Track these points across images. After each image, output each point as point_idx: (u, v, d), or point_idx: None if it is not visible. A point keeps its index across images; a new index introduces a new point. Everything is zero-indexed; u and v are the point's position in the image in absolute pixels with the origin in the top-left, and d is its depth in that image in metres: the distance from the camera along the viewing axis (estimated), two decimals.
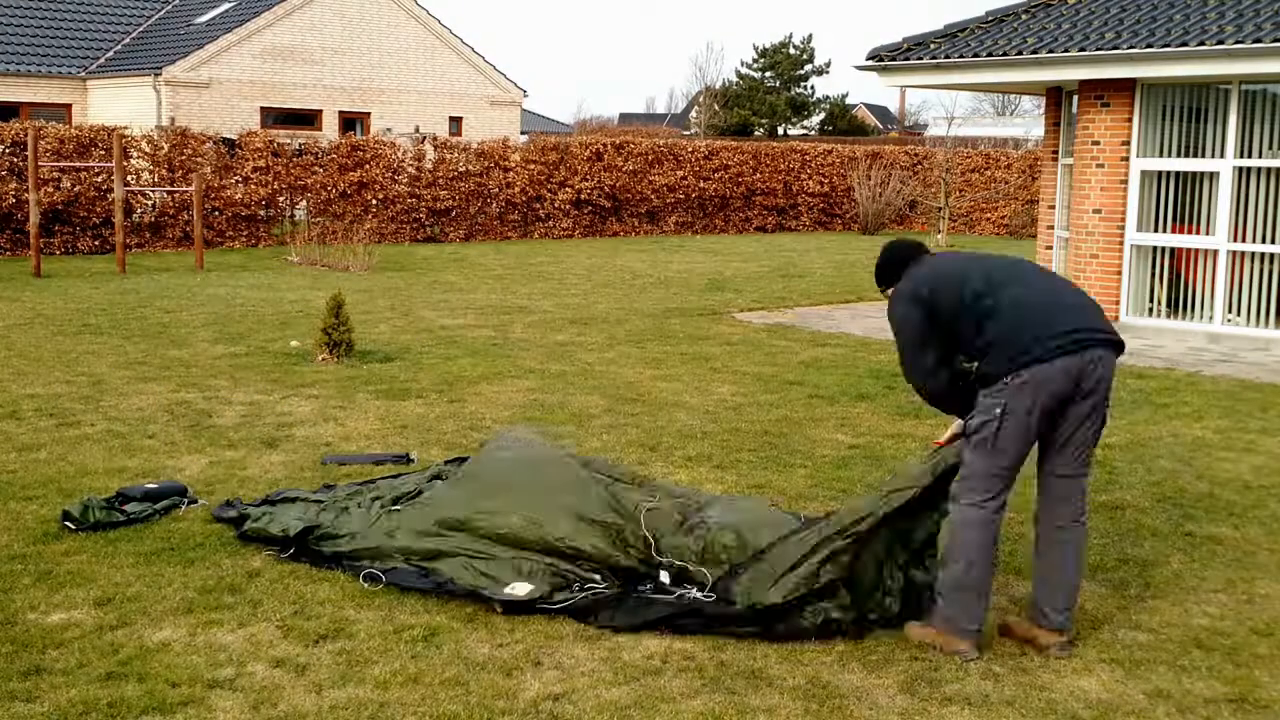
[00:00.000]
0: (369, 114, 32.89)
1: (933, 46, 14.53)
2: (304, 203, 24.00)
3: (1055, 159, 15.43)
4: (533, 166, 26.62)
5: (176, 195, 21.83)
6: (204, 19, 32.30)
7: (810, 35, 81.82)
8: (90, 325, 12.67)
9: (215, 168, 22.60)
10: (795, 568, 4.90)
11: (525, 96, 36.55)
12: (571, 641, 4.79)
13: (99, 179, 20.75)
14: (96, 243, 20.89)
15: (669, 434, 8.26)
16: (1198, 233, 13.25)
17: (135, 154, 21.77)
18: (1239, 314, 13.10)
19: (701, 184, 29.48)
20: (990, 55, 13.77)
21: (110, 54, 32.35)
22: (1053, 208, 15.60)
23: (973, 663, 4.64)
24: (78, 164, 20.05)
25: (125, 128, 21.48)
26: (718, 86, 65.69)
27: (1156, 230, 13.53)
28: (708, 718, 4.19)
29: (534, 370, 10.55)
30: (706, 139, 41.20)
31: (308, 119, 31.90)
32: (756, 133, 60.59)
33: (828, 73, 78.51)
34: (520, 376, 10.25)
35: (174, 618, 4.96)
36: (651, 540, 5.42)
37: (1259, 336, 12.81)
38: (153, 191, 21.76)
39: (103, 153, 20.78)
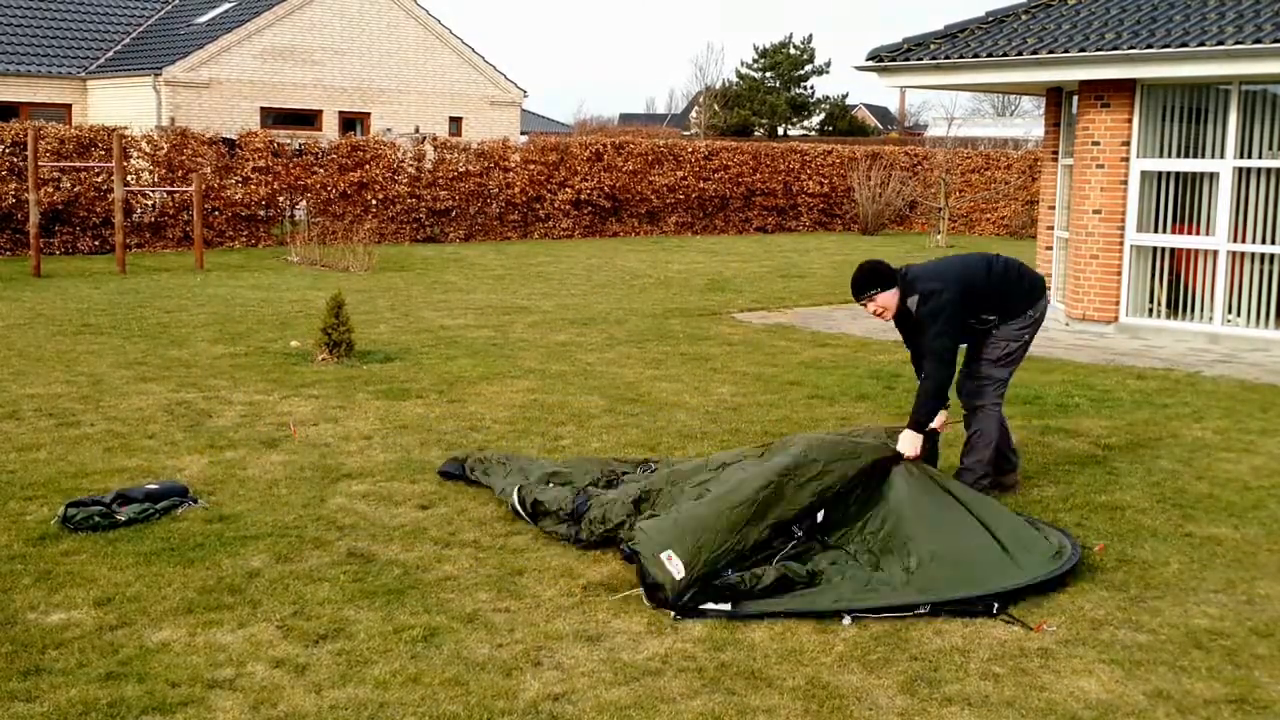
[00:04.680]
0: (369, 114, 32.89)
1: (933, 47, 14.53)
2: (304, 203, 24.01)
3: (1055, 159, 15.42)
4: (533, 167, 26.63)
5: (176, 195, 21.83)
6: (204, 19, 32.30)
7: (810, 35, 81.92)
8: (90, 325, 12.68)
9: (215, 168, 22.61)
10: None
11: (525, 96, 36.55)
12: (571, 641, 4.79)
13: (99, 179, 20.75)
14: (96, 243, 20.90)
15: (669, 434, 8.26)
16: (1198, 233, 13.25)
17: (135, 154, 21.78)
18: (1239, 314, 13.09)
19: (701, 184, 29.48)
20: (990, 55, 13.77)
21: (110, 54, 32.35)
22: (1053, 208, 15.60)
23: (972, 662, 4.65)
24: (78, 164, 20.05)
25: (125, 128, 21.49)
26: (718, 87, 65.65)
27: (1156, 231, 13.53)
28: (708, 718, 4.19)
29: (534, 370, 10.55)
30: (706, 139, 41.21)
31: (308, 119, 31.89)
32: (756, 133, 60.58)
33: (828, 73, 78.59)
34: (520, 376, 10.25)
35: (174, 618, 4.96)
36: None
37: (1259, 337, 12.81)
38: (153, 191, 21.76)
39: (103, 153, 20.78)
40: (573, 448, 7.85)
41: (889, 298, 6.37)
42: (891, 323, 6.61)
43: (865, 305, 6.45)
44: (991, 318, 6.61)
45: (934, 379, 6.29)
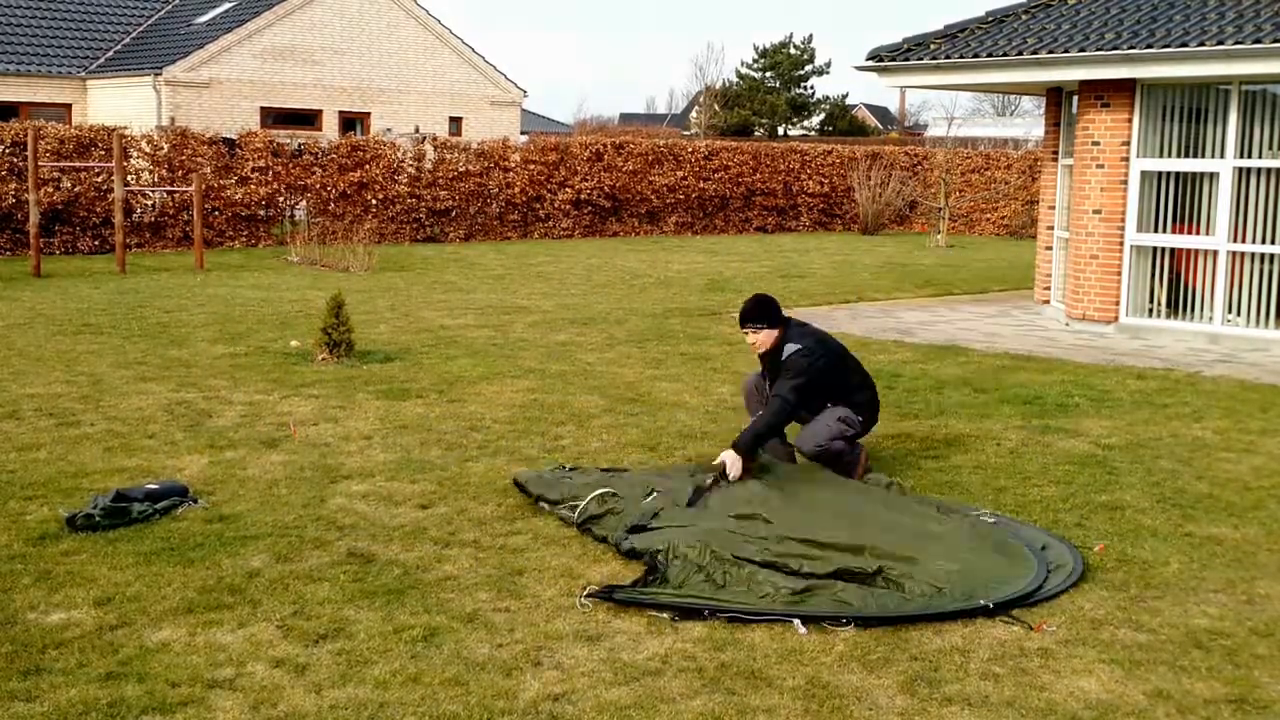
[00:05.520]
0: (369, 114, 32.89)
1: (933, 47, 14.53)
2: (304, 203, 24.01)
3: (1055, 159, 15.43)
4: (533, 166, 26.63)
5: (176, 195, 21.83)
6: (204, 19, 32.30)
7: (810, 35, 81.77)
8: (90, 325, 12.68)
9: (215, 168, 22.61)
10: None
11: (525, 96, 36.55)
12: (571, 641, 4.79)
13: (99, 179, 20.75)
14: (96, 243, 20.90)
15: (669, 434, 8.26)
16: (1198, 233, 13.25)
17: (135, 154, 21.78)
18: (1239, 314, 13.09)
19: (701, 184, 29.48)
20: (990, 55, 13.77)
21: (110, 54, 32.35)
22: (1053, 208, 15.60)
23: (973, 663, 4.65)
24: (78, 164, 20.05)
25: (125, 128, 21.49)
26: (718, 86, 65.65)
27: (1156, 230, 13.52)
28: (708, 718, 4.19)
29: (534, 370, 10.55)
30: (706, 139, 41.21)
31: (308, 119, 31.89)
32: (757, 133, 60.58)
33: (828, 73, 78.58)
34: (520, 376, 10.25)
35: (174, 618, 4.96)
36: None
37: (1259, 337, 12.81)
38: (153, 191, 21.76)
39: (103, 153, 20.78)
40: (572, 447, 7.85)
41: (768, 336, 6.89)
42: (819, 363, 6.88)
43: (746, 334, 6.96)
44: (826, 404, 7.02)
45: (768, 422, 6.72)
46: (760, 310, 6.90)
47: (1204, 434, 8.53)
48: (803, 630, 4.93)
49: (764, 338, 6.88)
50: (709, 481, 6.43)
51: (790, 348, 6.84)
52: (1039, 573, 5.49)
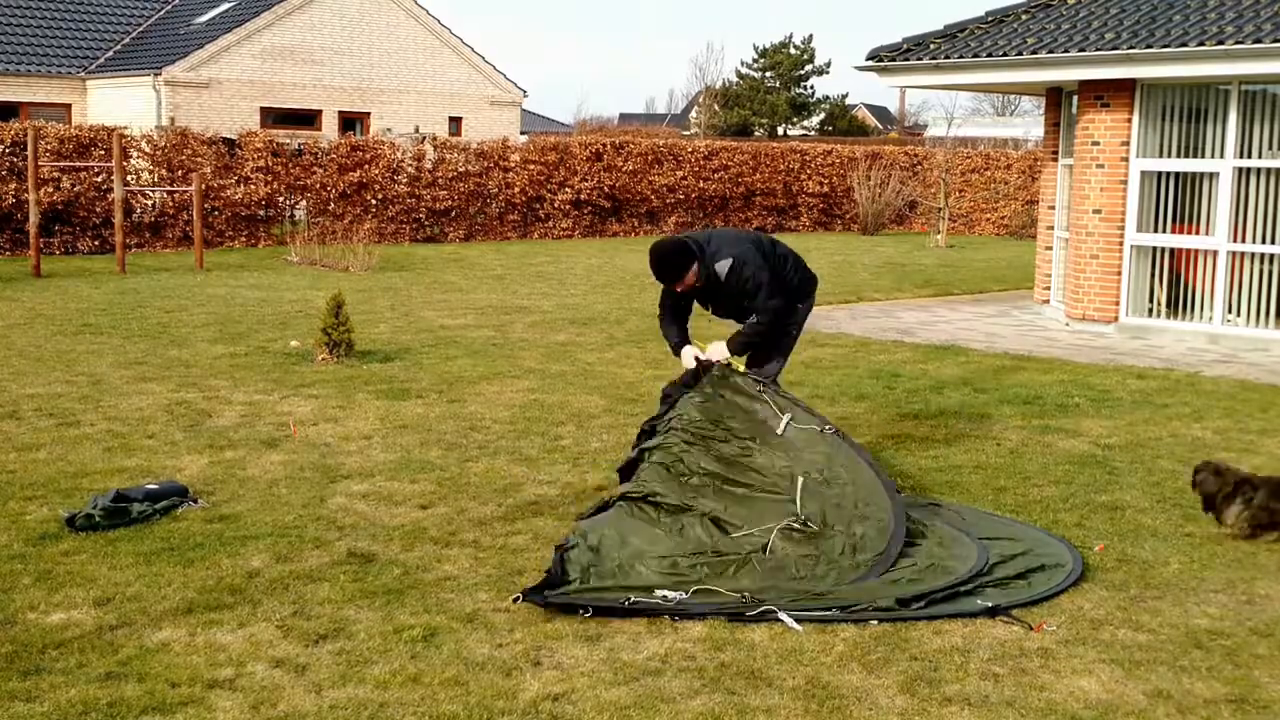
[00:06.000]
0: (369, 114, 32.89)
1: (932, 47, 14.53)
2: (304, 203, 24.01)
3: (1055, 159, 15.43)
4: (532, 166, 26.62)
5: (176, 195, 21.83)
6: (204, 19, 32.31)
7: (810, 35, 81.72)
8: (90, 325, 12.68)
9: (215, 168, 22.61)
10: None
11: (525, 96, 36.56)
12: (571, 641, 4.79)
13: (99, 179, 20.75)
14: (96, 243, 20.89)
15: None
16: (1198, 233, 13.25)
17: (135, 154, 21.78)
18: (1239, 314, 13.09)
19: (701, 184, 29.48)
20: (990, 55, 13.77)
21: (110, 54, 32.35)
22: (1053, 208, 15.60)
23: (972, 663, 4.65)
24: (78, 164, 20.05)
25: (125, 128, 21.48)
26: (718, 86, 65.65)
27: (1156, 230, 13.53)
28: (708, 718, 4.19)
29: (534, 370, 10.55)
30: (706, 139, 41.20)
31: (308, 119, 31.89)
32: (756, 133, 60.56)
33: (828, 73, 78.36)
34: (520, 376, 10.25)
35: (174, 618, 4.96)
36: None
37: (1259, 337, 12.81)
38: (153, 191, 21.76)
39: (103, 153, 20.78)
40: (572, 448, 7.85)
41: (694, 273, 6.63)
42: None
43: (675, 287, 6.74)
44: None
45: (765, 325, 6.75)
46: (671, 265, 6.62)
47: (1204, 434, 8.53)
48: (796, 626, 4.93)
49: (690, 277, 6.63)
50: (700, 369, 6.67)
51: (722, 265, 6.59)
52: (980, 557, 5.64)
